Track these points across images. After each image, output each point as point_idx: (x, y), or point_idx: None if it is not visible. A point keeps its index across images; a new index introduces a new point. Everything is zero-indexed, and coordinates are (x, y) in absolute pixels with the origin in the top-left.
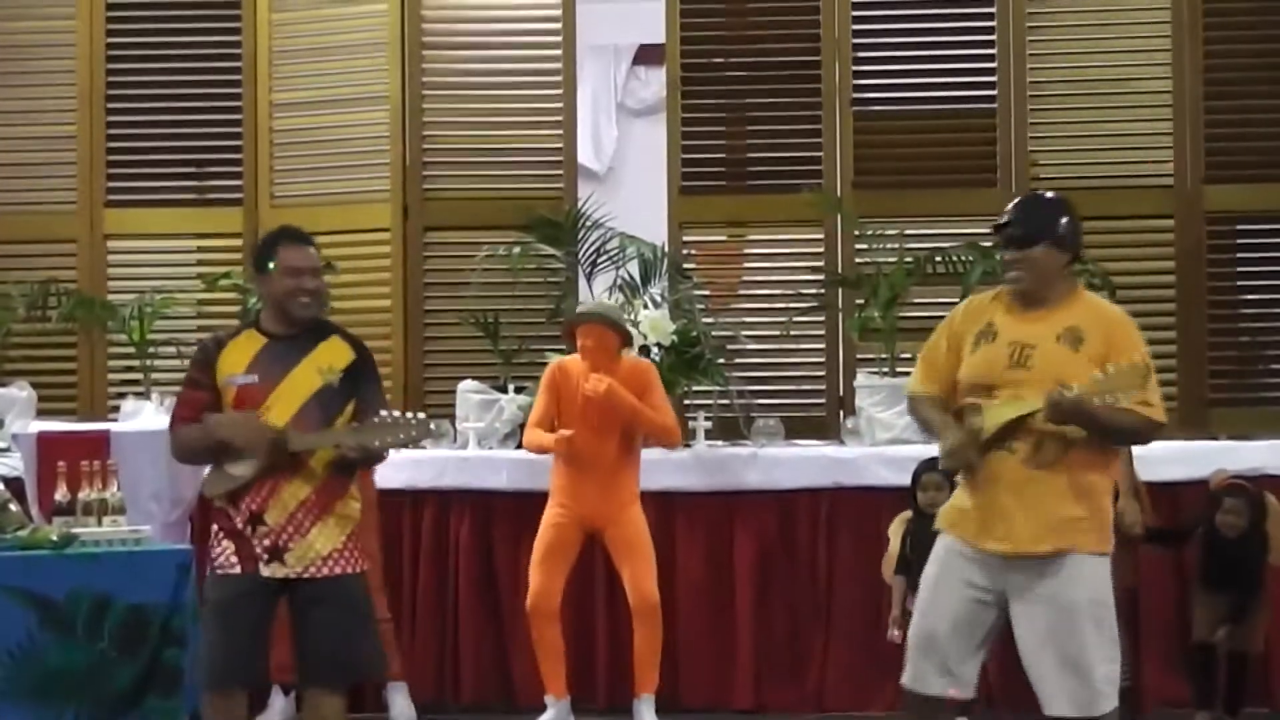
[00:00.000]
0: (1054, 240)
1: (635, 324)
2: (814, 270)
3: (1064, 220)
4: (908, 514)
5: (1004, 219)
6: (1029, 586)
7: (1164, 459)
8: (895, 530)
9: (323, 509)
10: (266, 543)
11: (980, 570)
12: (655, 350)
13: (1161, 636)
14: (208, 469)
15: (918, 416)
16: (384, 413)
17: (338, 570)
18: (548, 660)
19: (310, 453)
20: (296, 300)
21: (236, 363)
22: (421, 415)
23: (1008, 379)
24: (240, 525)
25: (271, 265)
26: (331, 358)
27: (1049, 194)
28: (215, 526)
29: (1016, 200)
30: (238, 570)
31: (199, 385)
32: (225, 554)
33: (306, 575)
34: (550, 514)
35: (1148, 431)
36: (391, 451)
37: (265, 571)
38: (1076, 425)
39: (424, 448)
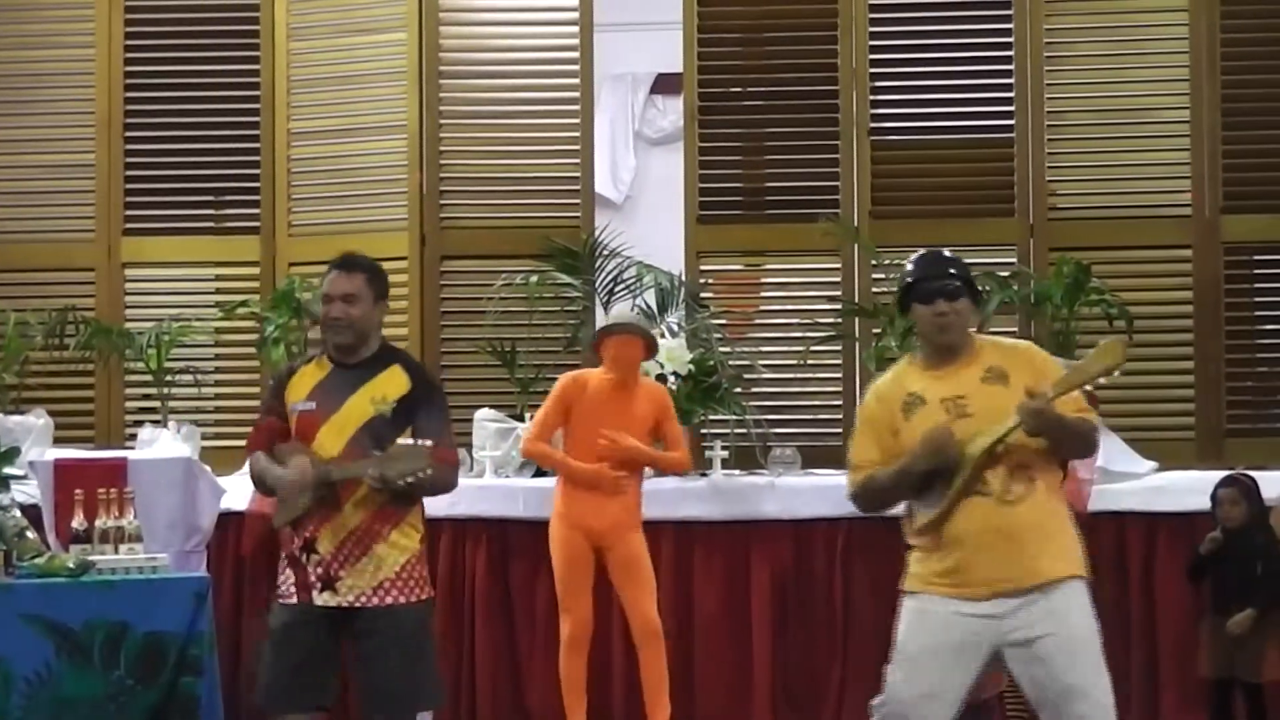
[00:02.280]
0: (973, 293)
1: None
2: (831, 300)
3: (971, 274)
4: None
5: (927, 273)
6: (1024, 624)
7: (1182, 489)
8: None
9: (373, 539)
10: (319, 571)
11: (968, 623)
12: (672, 379)
13: (1178, 667)
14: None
15: (874, 489)
16: (401, 441)
17: (389, 600)
18: (573, 693)
19: (358, 481)
20: (325, 326)
21: (301, 390)
22: (428, 443)
23: (956, 430)
24: (298, 553)
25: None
26: (386, 388)
27: (947, 250)
28: (283, 552)
29: (924, 256)
30: (294, 600)
31: (271, 411)
32: (286, 583)
33: (359, 605)
34: (558, 532)
35: (1095, 435)
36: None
37: (318, 600)
38: (1050, 432)
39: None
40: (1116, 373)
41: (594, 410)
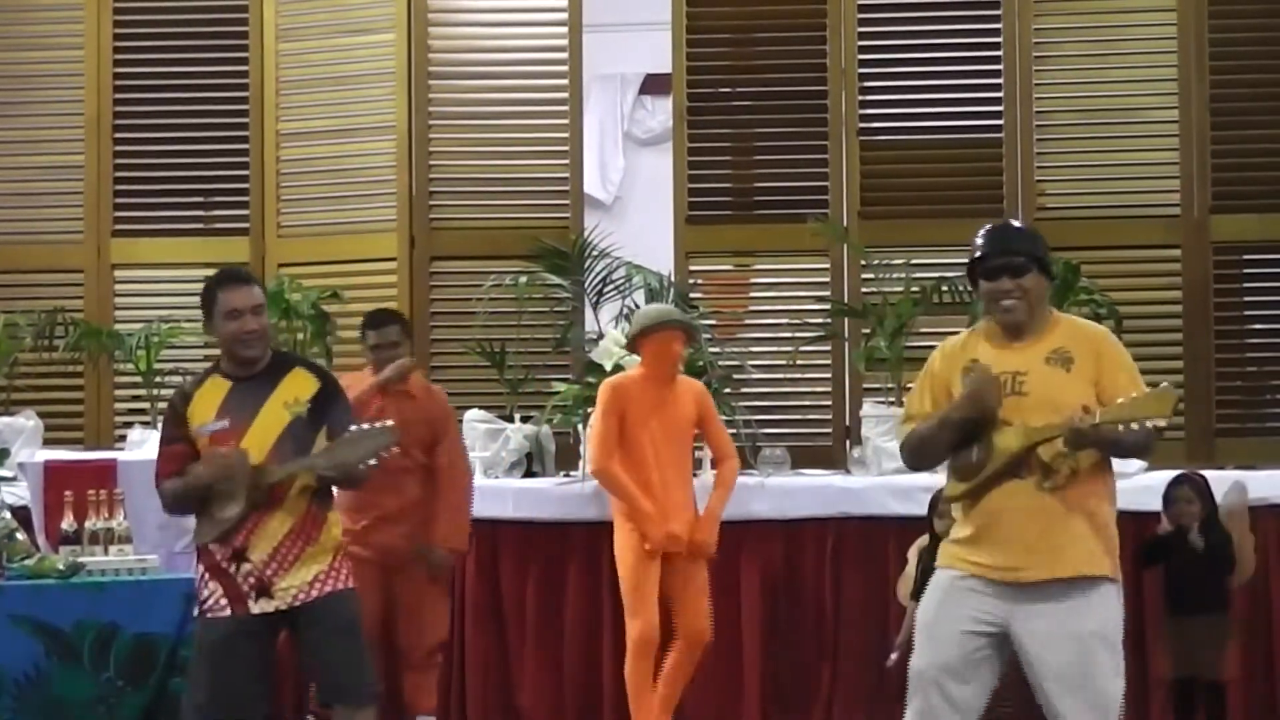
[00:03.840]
0: (1042, 267)
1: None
2: (820, 300)
3: (1044, 246)
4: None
5: (994, 248)
6: (1040, 614)
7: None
8: (914, 553)
9: (307, 540)
10: (252, 580)
11: (986, 601)
12: None
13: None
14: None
15: (916, 438)
16: (353, 428)
17: (327, 589)
18: (641, 697)
19: (288, 485)
20: (240, 341)
21: (205, 411)
22: (389, 423)
23: (1006, 407)
24: (224, 564)
25: (214, 310)
26: (296, 390)
27: (1016, 223)
28: (201, 567)
29: (993, 229)
30: (228, 613)
31: (175, 440)
32: (214, 596)
33: (297, 604)
34: (628, 535)
35: (1152, 443)
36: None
37: (255, 609)
38: (1095, 449)
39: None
40: (1161, 420)
41: (642, 415)
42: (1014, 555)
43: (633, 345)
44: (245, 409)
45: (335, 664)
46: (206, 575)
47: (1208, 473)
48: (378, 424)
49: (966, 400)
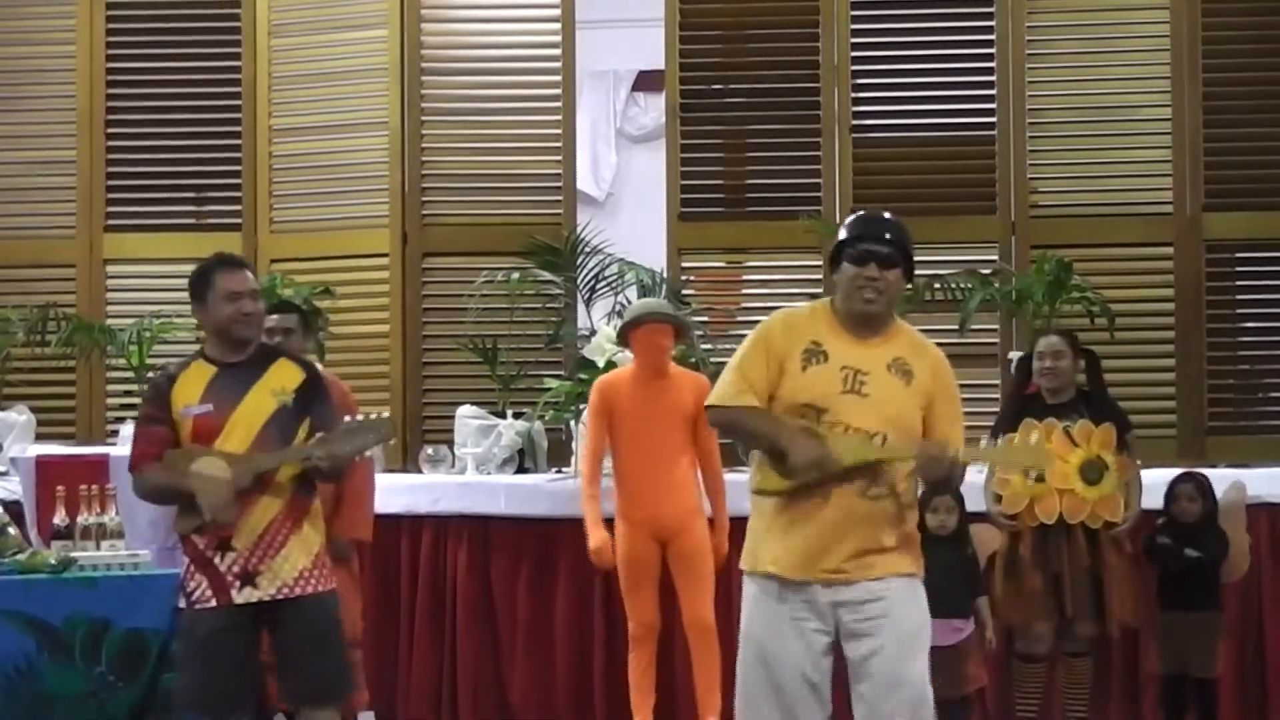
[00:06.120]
0: (908, 266)
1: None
2: (813, 296)
3: (912, 246)
4: None
5: (866, 232)
6: (863, 614)
7: (1163, 488)
8: None
9: (293, 526)
10: (236, 568)
11: (809, 607)
12: None
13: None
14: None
15: (740, 425)
16: (349, 418)
17: (309, 590)
18: (638, 692)
19: (274, 473)
20: (239, 323)
21: (190, 394)
22: (385, 414)
23: (841, 404)
24: (209, 553)
25: (209, 293)
26: (283, 379)
27: (890, 215)
28: (186, 558)
29: (867, 215)
30: (213, 604)
31: (157, 421)
32: (200, 588)
33: (280, 596)
34: (619, 531)
35: (960, 478)
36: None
37: (239, 599)
38: (939, 481)
39: (422, 471)
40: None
41: (632, 410)
42: (830, 559)
43: (623, 340)
44: (231, 394)
45: (307, 667)
46: (192, 567)
47: (1199, 470)
48: (373, 416)
49: (803, 467)
